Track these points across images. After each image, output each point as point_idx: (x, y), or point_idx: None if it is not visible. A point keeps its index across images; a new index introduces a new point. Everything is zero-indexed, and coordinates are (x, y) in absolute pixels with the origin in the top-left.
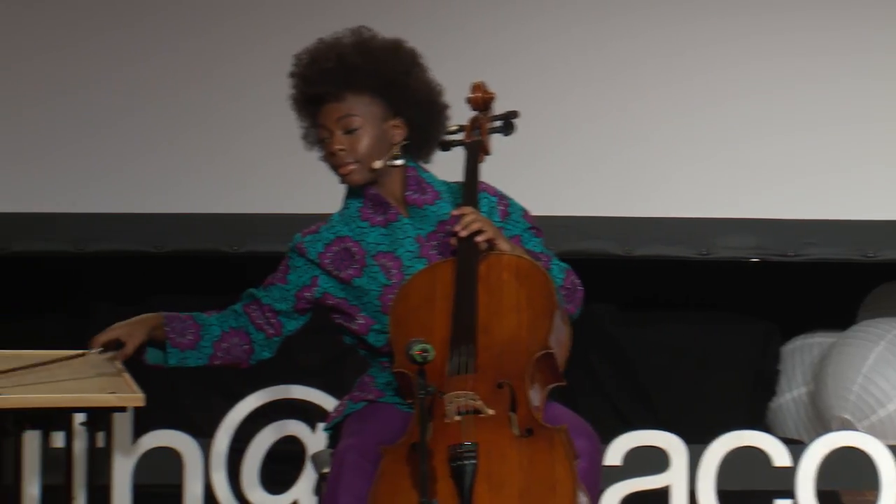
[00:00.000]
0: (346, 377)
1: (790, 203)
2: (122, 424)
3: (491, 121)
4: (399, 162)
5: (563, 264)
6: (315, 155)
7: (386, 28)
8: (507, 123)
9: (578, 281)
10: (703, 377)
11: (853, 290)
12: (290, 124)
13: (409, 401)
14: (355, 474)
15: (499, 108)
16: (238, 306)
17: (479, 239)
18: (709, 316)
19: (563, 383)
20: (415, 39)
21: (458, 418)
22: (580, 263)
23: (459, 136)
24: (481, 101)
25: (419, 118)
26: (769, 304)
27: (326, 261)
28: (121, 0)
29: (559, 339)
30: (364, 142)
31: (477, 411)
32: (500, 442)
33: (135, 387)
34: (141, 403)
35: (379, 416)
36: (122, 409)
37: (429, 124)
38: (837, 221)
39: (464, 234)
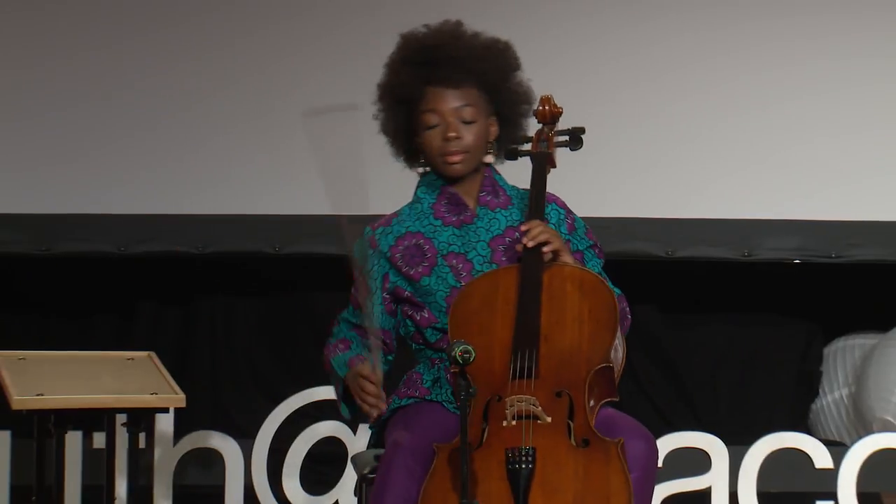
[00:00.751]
0: (388, 377)
1: (832, 204)
2: (164, 425)
3: (558, 134)
4: (491, 159)
5: (616, 290)
6: (358, 156)
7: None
8: (575, 138)
9: (629, 309)
10: (744, 378)
11: (895, 292)
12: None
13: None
14: (403, 475)
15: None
16: (348, 333)
17: (545, 249)
18: (751, 317)
19: (617, 398)
20: None
21: (515, 423)
22: (623, 265)
23: (527, 147)
24: (549, 114)
25: (511, 119)
26: (811, 306)
27: (397, 255)
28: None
29: (617, 356)
30: (476, 134)
31: (535, 417)
32: (556, 449)
33: (176, 387)
34: (182, 404)
35: (429, 415)
36: (164, 410)
37: (516, 127)
38: (879, 223)
39: (531, 244)
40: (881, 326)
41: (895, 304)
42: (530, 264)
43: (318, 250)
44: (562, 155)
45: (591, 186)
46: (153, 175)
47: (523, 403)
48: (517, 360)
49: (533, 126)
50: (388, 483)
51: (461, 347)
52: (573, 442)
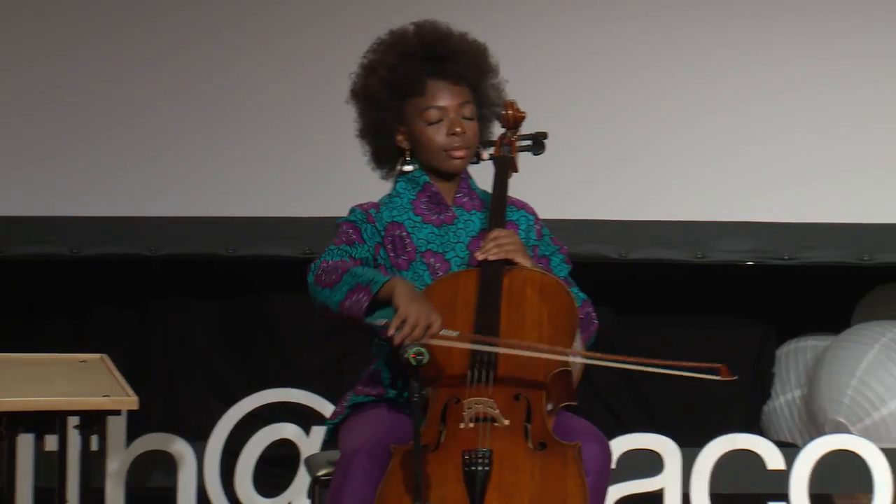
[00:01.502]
0: (342, 381)
1: (786, 206)
2: (117, 427)
3: (520, 139)
4: (486, 155)
5: (581, 295)
6: (315, 158)
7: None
8: (538, 143)
9: (595, 315)
10: (697, 380)
11: (848, 294)
12: (286, 127)
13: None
14: (361, 479)
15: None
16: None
17: (501, 256)
18: (704, 319)
19: (575, 403)
20: None
21: (472, 425)
22: (577, 267)
23: (490, 151)
24: (512, 119)
25: (488, 120)
26: (764, 308)
27: (388, 238)
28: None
29: (575, 365)
30: (475, 131)
31: (493, 420)
32: (513, 452)
33: (129, 390)
34: (135, 407)
35: (386, 415)
36: (117, 413)
37: (488, 129)
38: (833, 225)
39: (481, 257)
40: (833, 328)
41: (847, 306)
42: (490, 267)
43: (273, 252)
44: (522, 159)
45: (544, 188)
46: (107, 177)
47: (481, 406)
48: (476, 362)
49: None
50: (345, 486)
51: (415, 349)
52: (530, 445)
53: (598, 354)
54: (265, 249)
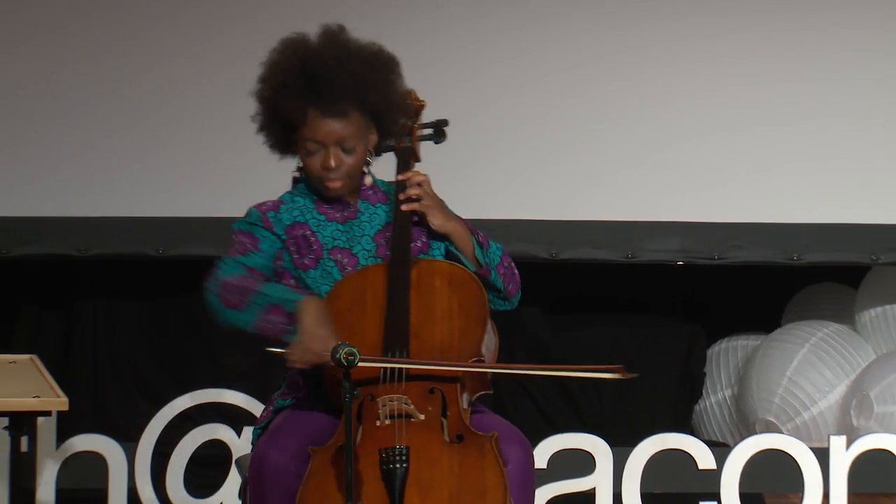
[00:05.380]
0: (271, 381)
1: (714, 206)
2: (47, 428)
3: (421, 128)
4: (370, 170)
5: (498, 244)
6: (245, 156)
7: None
8: (438, 131)
9: (514, 264)
10: (628, 380)
11: (778, 293)
12: (217, 127)
13: (336, 402)
14: (277, 474)
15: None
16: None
17: (414, 206)
18: (634, 319)
19: (491, 391)
20: None
21: (388, 422)
22: None
23: (390, 142)
24: (411, 108)
25: (388, 124)
26: (694, 307)
27: (290, 240)
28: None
29: (489, 348)
30: (356, 159)
31: (408, 416)
32: (430, 446)
33: (59, 391)
34: (65, 407)
35: (304, 417)
36: (47, 413)
37: (391, 128)
38: (761, 224)
39: (406, 208)
40: (763, 328)
41: (778, 306)
42: (397, 261)
43: (201, 252)
44: (448, 157)
45: (474, 188)
46: (35, 177)
47: (395, 402)
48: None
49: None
50: (265, 482)
51: (345, 350)
52: (447, 438)
53: (502, 365)
54: (194, 249)
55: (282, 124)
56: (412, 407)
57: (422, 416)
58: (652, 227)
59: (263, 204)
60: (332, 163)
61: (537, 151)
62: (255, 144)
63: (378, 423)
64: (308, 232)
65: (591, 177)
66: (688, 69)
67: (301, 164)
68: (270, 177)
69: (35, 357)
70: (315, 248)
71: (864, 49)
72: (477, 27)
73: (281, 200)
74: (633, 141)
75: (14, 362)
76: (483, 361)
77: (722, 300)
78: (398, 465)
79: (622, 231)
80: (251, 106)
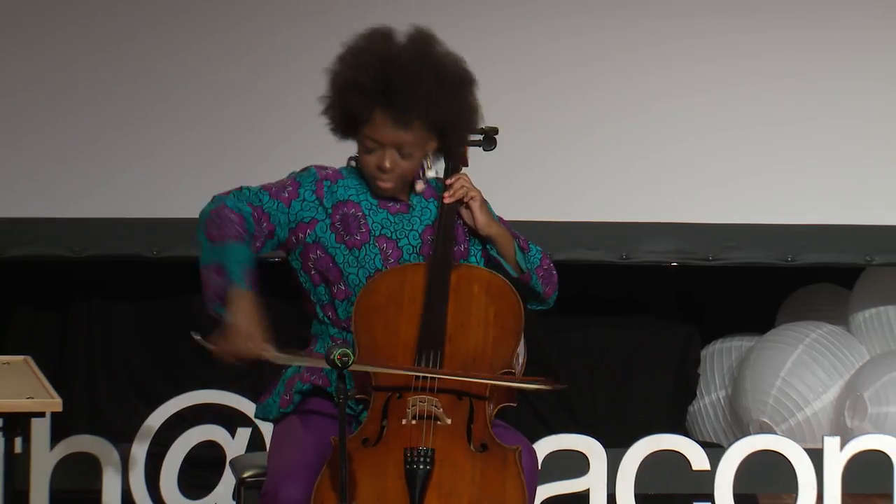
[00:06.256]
0: (265, 382)
1: (709, 207)
2: (41, 429)
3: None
4: (432, 174)
5: (538, 246)
6: (243, 157)
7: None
8: (489, 138)
9: (552, 265)
10: (622, 381)
11: (772, 294)
12: (213, 128)
13: (360, 395)
14: (295, 484)
15: None
16: (247, 214)
17: (465, 198)
18: (628, 320)
19: (515, 404)
20: None
21: (415, 422)
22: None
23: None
24: (477, 124)
25: (452, 140)
26: (689, 308)
27: (337, 215)
28: None
29: (518, 362)
30: (411, 164)
31: (436, 418)
32: (454, 452)
33: (52, 392)
34: (59, 408)
35: (315, 427)
36: (41, 415)
37: (454, 143)
38: (755, 225)
39: (449, 200)
40: (758, 328)
41: (772, 307)
42: (439, 263)
43: (196, 254)
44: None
45: None
46: (30, 178)
47: (425, 404)
48: (421, 360)
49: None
50: (290, 440)
51: (340, 350)
52: (472, 446)
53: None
54: (189, 251)
55: (346, 114)
56: (441, 410)
57: (449, 421)
58: (646, 228)
59: (325, 169)
60: (388, 164)
61: (532, 153)
62: (252, 146)
63: (404, 422)
64: (359, 213)
65: (586, 178)
66: (683, 71)
67: (358, 155)
68: (268, 177)
69: (29, 358)
70: (364, 230)
71: (858, 50)
72: (472, 29)
73: (340, 174)
74: (627, 142)
75: (8, 363)
76: (513, 374)
77: (716, 301)
78: (422, 466)
79: (617, 232)
80: (250, 106)
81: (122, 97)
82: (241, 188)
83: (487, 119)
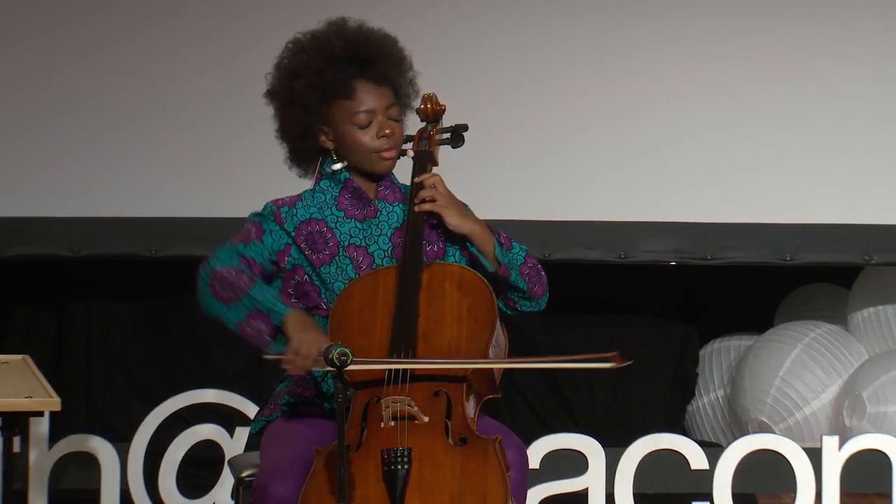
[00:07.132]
0: (265, 382)
1: (707, 206)
2: (39, 429)
3: (440, 133)
4: (411, 153)
5: (522, 245)
6: (239, 157)
7: None
8: (456, 136)
9: (540, 266)
10: (621, 380)
11: (770, 294)
12: (211, 127)
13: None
14: (284, 480)
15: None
16: (243, 267)
17: (427, 207)
18: (627, 319)
19: (498, 395)
20: None
21: (392, 423)
22: None
23: (408, 146)
24: (431, 112)
25: (408, 87)
26: (687, 308)
27: (301, 237)
28: None
29: (497, 353)
30: (401, 131)
31: (412, 417)
32: (433, 449)
33: (51, 391)
34: (57, 408)
35: (303, 429)
36: (39, 414)
37: (410, 89)
38: (753, 225)
39: (419, 206)
40: (756, 328)
41: (769, 306)
42: (409, 263)
43: (194, 253)
44: (440, 159)
45: (466, 188)
46: (28, 177)
47: (398, 404)
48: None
49: (414, 124)
50: (269, 488)
51: (338, 350)
52: (451, 441)
53: (488, 360)
54: (187, 250)
55: (313, 117)
56: (415, 409)
57: (426, 418)
58: (645, 228)
59: (280, 199)
60: (388, 129)
61: (530, 151)
62: (250, 145)
63: (382, 425)
64: (325, 228)
65: (584, 177)
66: (680, 70)
67: (334, 157)
68: (265, 177)
69: (27, 357)
70: (331, 244)
71: (856, 50)
72: (469, 28)
73: (300, 197)
74: (625, 141)
75: (6, 363)
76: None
77: (715, 300)
78: (399, 467)
79: (615, 231)
80: (247, 106)
81: (120, 96)
82: (211, 255)
83: (487, 118)
